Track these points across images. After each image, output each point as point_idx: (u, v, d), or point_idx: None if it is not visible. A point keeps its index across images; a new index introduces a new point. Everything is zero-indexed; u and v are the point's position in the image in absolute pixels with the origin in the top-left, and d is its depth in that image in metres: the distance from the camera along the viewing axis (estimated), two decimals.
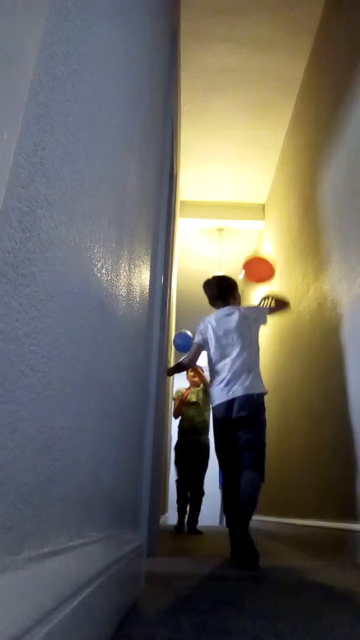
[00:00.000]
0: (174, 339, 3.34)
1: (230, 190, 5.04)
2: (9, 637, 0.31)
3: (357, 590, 1.30)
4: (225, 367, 2.13)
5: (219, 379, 2.14)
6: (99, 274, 0.68)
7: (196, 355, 2.40)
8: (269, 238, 4.86)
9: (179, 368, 2.59)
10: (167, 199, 2.41)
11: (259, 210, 5.18)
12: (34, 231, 0.40)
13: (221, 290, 2.36)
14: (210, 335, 2.24)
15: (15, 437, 0.37)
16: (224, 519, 6.89)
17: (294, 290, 3.63)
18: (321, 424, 2.78)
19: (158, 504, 2.15)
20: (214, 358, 2.21)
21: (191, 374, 4.03)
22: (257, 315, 2.29)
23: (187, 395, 4.03)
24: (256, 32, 3.27)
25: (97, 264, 0.67)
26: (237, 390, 2.05)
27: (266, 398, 2.16)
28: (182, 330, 3.34)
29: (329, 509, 2.52)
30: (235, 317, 2.22)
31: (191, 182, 4.89)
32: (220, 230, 5.44)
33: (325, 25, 3.04)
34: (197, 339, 2.33)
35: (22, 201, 0.37)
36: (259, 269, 2.87)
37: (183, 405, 4.01)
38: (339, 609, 1.03)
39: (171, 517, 5.58)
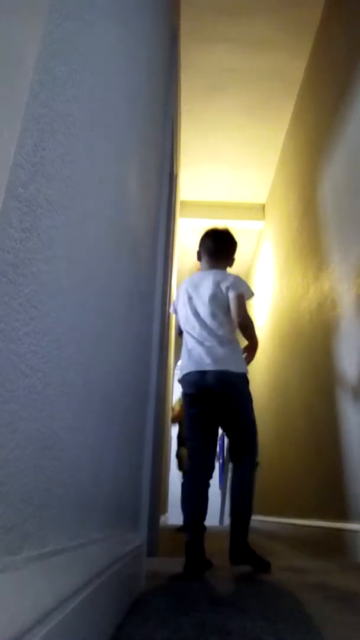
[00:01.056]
0: None
1: (230, 190, 5.04)
2: (9, 637, 0.31)
3: (357, 590, 1.30)
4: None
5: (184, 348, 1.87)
6: (99, 274, 0.68)
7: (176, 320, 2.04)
8: (269, 238, 4.86)
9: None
10: (167, 199, 2.40)
11: (259, 210, 5.18)
12: (34, 231, 0.40)
13: (219, 247, 1.97)
14: (180, 303, 1.93)
15: (15, 437, 0.37)
16: (224, 518, 6.88)
17: (294, 290, 3.63)
18: (321, 423, 2.78)
19: (158, 504, 2.15)
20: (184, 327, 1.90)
21: None
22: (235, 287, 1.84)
23: None
24: (256, 32, 3.27)
25: (97, 264, 0.67)
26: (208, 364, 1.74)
27: (266, 398, 2.15)
28: None
29: (329, 509, 2.52)
30: (209, 280, 1.87)
31: (191, 182, 4.89)
32: None
33: (325, 25, 3.04)
34: (171, 309, 2.05)
35: (22, 201, 0.37)
36: None
37: (181, 412, 4.01)
38: (339, 609, 1.03)
39: (171, 517, 5.57)
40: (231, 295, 1.81)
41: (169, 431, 5.19)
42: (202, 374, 1.74)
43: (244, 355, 1.87)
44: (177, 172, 3.83)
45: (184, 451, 3.93)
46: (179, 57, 3.12)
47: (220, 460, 6.96)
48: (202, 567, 1.56)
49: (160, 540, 2.28)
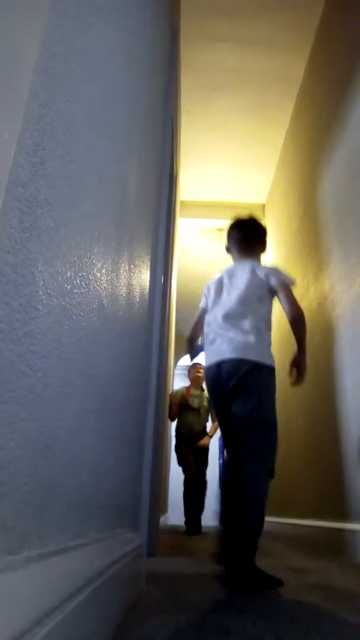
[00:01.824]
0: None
1: (230, 190, 5.04)
2: (9, 637, 0.31)
3: (357, 590, 1.30)
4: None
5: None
6: (99, 274, 0.68)
7: (198, 322, 1.89)
8: (268, 238, 4.86)
9: (190, 344, 2.02)
10: (167, 199, 2.40)
11: (259, 210, 5.18)
12: (34, 231, 0.40)
13: (249, 235, 1.85)
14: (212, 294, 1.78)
15: (15, 437, 0.37)
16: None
17: (294, 290, 3.63)
18: (320, 423, 2.78)
19: (158, 504, 2.15)
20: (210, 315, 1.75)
21: (194, 370, 3.97)
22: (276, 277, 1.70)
23: (188, 397, 3.97)
24: (256, 32, 3.27)
25: (97, 264, 0.67)
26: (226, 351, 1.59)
27: None
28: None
29: (329, 509, 2.52)
30: (242, 270, 1.74)
31: (191, 182, 4.89)
32: (220, 230, 5.44)
33: (325, 26, 3.04)
34: (201, 304, 1.88)
35: (22, 201, 0.37)
36: None
37: (180, 407, 3.95)
38: (339, 609, 1.03)
39: (171, 517, 5.57)
40: (274, 282, 1.66)
41: (169, 431, 5.19)
42: (218, 365, 1.59)
43: (293, 373, 1.74)
44: (177, 172, 3.82)
45: (183, 447, 3.91)
46: (179, 57, 3.12)
47: (220, 461, 6.96)
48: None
49: (160, 540, 2.28)
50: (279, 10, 3.11)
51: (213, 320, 1.69)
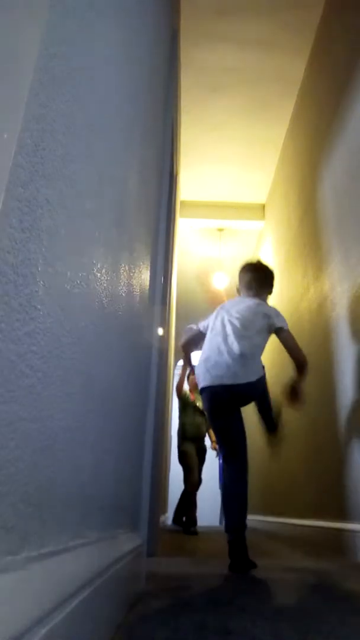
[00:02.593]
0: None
1: (230, 190, 5.04)
2: (9, 637, 0.31)
3: (357, 590, 1.30)
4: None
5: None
6: (99, 274, 0.68)
7: (189, 337, 2.12)
8: (269, 238, 4.86)
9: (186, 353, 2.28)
10: (167, 199, 2.40)
11: (259, 210, 5.19)
12: (34, 231, 0.40)
13: (257, 277, 2.07)
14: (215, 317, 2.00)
15: (15, 437, 0.37)
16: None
17: (294, 290, 3.63)
18: (320, 423, 2.78)
19: (158, 504, 2.15)
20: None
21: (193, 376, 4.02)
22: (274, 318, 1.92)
23: (193, 399, 4.03)
24: (256, 32, 3.27)
25: (97, 264, 0.67)
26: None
27: None
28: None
29: (329, 509, 2.52)
30: (246, 304, 1.97)
31: (191, 182, 4.89)
32: (220, 230, 5.44)
33: (325, 25, 3.04)
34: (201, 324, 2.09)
35: (22, 201, 0.37)
36: None
37: (185, 407, 3.99)
38: (339, 609, 1.03)
39: (171, 517, 5.57)
40: (280, 323, 1.91)
41: (169, 431, 5.19)
42: (221, 387, 1.81)
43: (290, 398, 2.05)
44: (177, 172, 3.82)
45: (189, 447, 3.92)
46: (179, 56, 3.12)
47: (220, 461, 6.96)
48: (247, 566, 1.59)
49: (160, 540, 2.28)
50: (279, 10, 3.11)
51: (214, 343, 1.89)
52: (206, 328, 2.03)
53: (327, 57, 3.00)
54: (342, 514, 2.30)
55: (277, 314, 1.94)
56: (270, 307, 1.98)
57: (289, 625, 0.86)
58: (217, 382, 1.81)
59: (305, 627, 0.85)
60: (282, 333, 1.91)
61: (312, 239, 3.18)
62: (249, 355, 1.82)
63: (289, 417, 3.57)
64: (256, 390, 1.88)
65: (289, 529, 3.26)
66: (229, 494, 1.76)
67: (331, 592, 1.26)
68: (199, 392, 1.94)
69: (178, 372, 4.41)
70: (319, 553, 2.34)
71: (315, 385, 2.95)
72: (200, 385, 1.89)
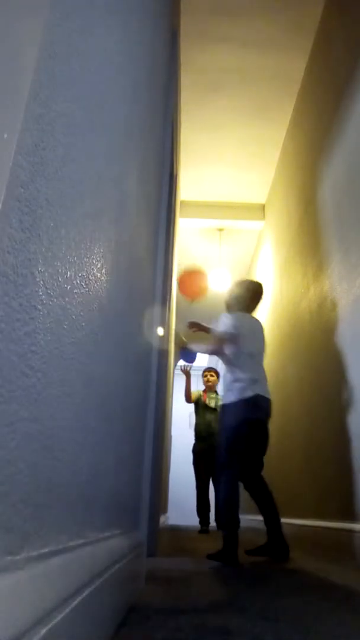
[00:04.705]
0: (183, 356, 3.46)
1: (230, 190, 5.04)
2: (9, 637, 0.31)
3: (357, 590, 1.30)
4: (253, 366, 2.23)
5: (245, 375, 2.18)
6: (99, 274, 0.68)
7: (225, 343, 2.28)
8: (268, 238, 4.86)
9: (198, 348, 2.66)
10: (167, 199, 2.40)
11: (259, 210, 5.18)
12: (34, 231, 0.40)
13: (257, 299, 2.46)
14: (244, 333, 2.27)
15: (15, 437, 0.37)
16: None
17: (293, 290, 3.63)
18: (321, 423, 2.78)
19: (158, 504, 2.15)
20: (244, 352, 2.22)
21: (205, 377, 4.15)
22: None
23: (205, 399, 4.13)
24: (256, 32, 3.27)
25: (97, 264, 0.67)
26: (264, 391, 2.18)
27: None
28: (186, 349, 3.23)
29: (329, 509, 2.52)
30: (259, 326, 2.39)
31: (191, 182, 4.89)
32: (220, 230, 5.44)
33: (325, 25, 3.04)
34: (233, 329, 2.24)
35: (22, 201, 0.37)
36: (192, 283, 2.92)
37: (197, 407, 4.12)
38: (339, 609, 1.03)
39: (171, 517, 5.57)
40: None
41: (169, 431, 5.19)
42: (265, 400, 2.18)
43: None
44: (177, 172, 3.82)
45: (199, 447, 3.99)
46: (179, 57, 3.12)
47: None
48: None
49: (160, 540, 2.28)
50: (279, 10, 3.11)
51: (254, 359, 2.24)
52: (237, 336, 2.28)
53: (327, 57, 3.00)
54: (343, 514, 2.30)
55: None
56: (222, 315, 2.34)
57: (289, 625, 0.86)
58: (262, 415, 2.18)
59: (305, 627, 0.85)
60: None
61: (312, 239, 3.18)
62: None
63: (289, 417, 3.58)
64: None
65: (289, 529, 3.26)
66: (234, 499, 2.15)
67: (331, 591, 1.26)
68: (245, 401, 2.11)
69: (178, 371, 4.45)
70: (320, 553, 2.34)
71: (316, 384, 2.95)
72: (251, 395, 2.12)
